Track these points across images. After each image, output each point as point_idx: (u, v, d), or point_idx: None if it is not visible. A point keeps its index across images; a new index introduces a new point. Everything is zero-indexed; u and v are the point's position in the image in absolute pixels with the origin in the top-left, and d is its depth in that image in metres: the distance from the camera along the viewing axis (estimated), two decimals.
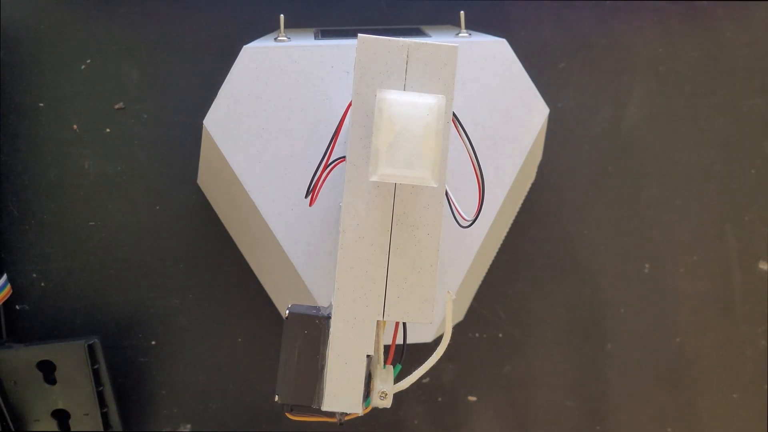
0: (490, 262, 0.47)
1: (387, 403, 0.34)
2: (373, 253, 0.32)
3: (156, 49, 0.49)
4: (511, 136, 0.41)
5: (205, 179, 0.47)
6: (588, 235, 0.53)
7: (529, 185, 0.48)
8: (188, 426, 0.51)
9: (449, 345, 0.34)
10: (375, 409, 0.34)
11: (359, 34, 0.31)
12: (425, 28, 0.47)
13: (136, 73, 0.49)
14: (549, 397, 0.53)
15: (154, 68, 0.49)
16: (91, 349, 0.46)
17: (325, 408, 0.33)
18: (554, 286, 0.53)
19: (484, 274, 0.47)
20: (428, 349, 0.36)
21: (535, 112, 0.42)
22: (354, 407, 0.33)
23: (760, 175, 0.53)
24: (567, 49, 0.52)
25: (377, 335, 0.33)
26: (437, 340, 0.36)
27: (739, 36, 0.53)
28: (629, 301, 0.53)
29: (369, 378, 0.33)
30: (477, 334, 0.52)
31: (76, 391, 0.46)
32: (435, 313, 0.35)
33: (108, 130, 0.49)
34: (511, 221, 0.48)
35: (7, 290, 0.47)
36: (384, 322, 0.33)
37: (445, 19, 0.50)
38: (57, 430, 0.46)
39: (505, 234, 0.47)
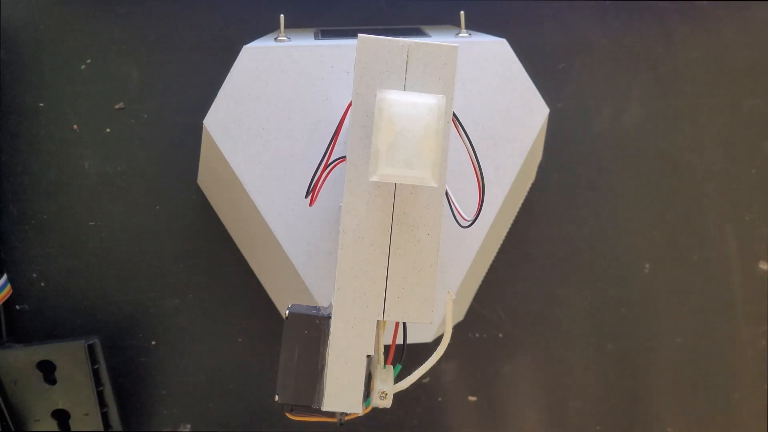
0: (490, 262, 0.47)
1: (387, 403, 0.34)
2: (373, 253, 0.32)
3: (156, 49, 0.49)
4: (511, 136, 0.41)
5: (205, 179, 0.47)
6: (588, 235, 0.53)
7: (529, 185, 0.48)
8: (188, 426, 0.51)
9: (449, 345, 0.34)
10: (375, 409, 0.34)
11: (359, 34, 0.31)
12: (425, 28, 0.47)
13: (136, 73, 0.49)
14: (549, 397, 0.53)
15: (154, 68, 0.49)
16: (91, 349, 0.46)
17: (325, 408, 0.33)
18: (554, 286, 0.53)
19: (484, 274, 0.47)
20: (428, 349, 0.36)
21: (535, 112, 0.42)
22: (354, 407, 0.33)
23: (760, 175, 0.53)
24: (567, 49, 0.52)
25: (377, 335, 0.33)
26: (437, 340, 0.36)
27: (739, 36, 0.53)
28: (629, 301, 0.53)
29: (369, 378, 0.33)
30: (477, 334, 0.52)
31: (76, 391, 0.46)
32: (435, 313, 0.35)
33: (108, 130, 0.49)
34: (511, 221, 0.48)
35: (7, 290, 0.47)
36: (384, 322, 0.33)
37: (445, 19, 0.50)
38: (57, 430, 0.46)
39: (505, 234, 0.47)
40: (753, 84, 0.53)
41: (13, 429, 0.46)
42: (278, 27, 0.41)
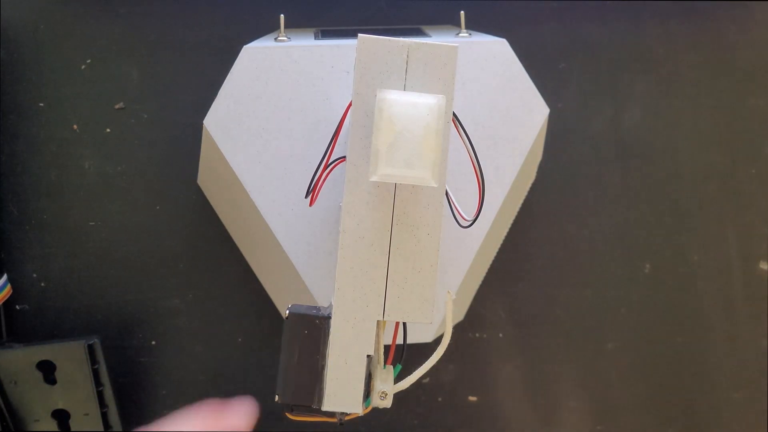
0: (490, 262, 0.47)
1: (387, 403, 0.34)
2: (373, 253, 0.32)
3: (156, 49, 0.49)
4: (511, 136, 0.41)
5: (205, 179, 0.47)
6: (588, 235, 0.53)
7: (529, 185, 0.48)
8: None
9: (449, 345, 0.34)
10: (375, 409, 0.34)
11: (359, 34, 0.31)
12: (425, 28, 0.47)
13: (136, 73, 0.49)
14: (549, 397, 0.53)
15: (154, 68, 0.49)
16: (91, 349, 0.46)
17: (325, 408, 0.33)
18: (554, 286, 0.53)
19: (484, 274, 0.47)
20: (428, 349, 0.36)
21: (535, 112, 0.42)
22: (354, 407, 0.33)
23: (760, 175, 0.53)
24: (567, 49, 0.52)
25: (377, 335, 0.33)
26: (437, 340, 0.36)
27: (740, 36, 0.53)
28: (629, 301, 0.53)
29: (369, 378, 0.33)
30: (477, 334, 0.52)
31: (76, 391, 0.46)
32: (435, 313, 0.35)
33: (108, 130, 0.49)
34: (511, 221, 0.48)
35: (7, 290, 0.47)
36: (384, 322, 0.33)
37: (445, 19, 0.50)
38: (57, 430, 0.46)
39: (505, 234, 0.47)
40: (753, 84, 0.53)
41: (13, 429, 0.46)
42: (278, 27, 0.41)
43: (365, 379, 0.33)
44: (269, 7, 0.49)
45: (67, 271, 0.49)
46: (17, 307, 0.49)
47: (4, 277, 0.47)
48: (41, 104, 0.49)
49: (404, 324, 0.35)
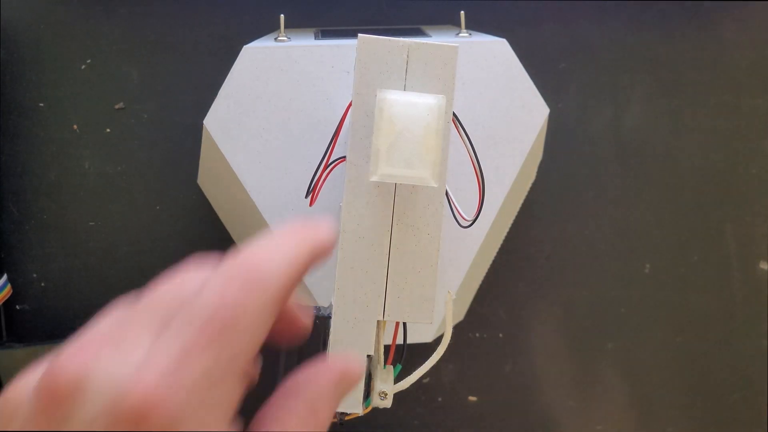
0: (490, 262, 0.47)
1: (387, 403, 0.34)
2: (373, 253, 0.32)
3: (156, 49, 0.49)
4: (511, 136, 0.41)
5: (205, 179, 0.47)
6: (588, 235, 0.53)
7: (529, 185, 0.48)
8: None
9: (449, 345, 0.34)
10: (375, 409, 0.34)
11: (359, 34, 0.31)
12: (425, 28, 0.47)
13: (136, 73, 0.49)
14: (549, 397, 0.53)
15: (154, 68, 0.49)
16: None
17: None
18: (554, 286, 0.53)
19: (484, 274, 0.47)
20: (428, 349, 0.36)
21: (535, 112, 0.42)
22: (354, 407, 0.33)
23: (760, 175, 0.53)
24: (567, 49, 0.52)
25: (377, 335, 0.33)
26: (437, 340, 0.36)
27: (739, 36, 0.53)
28: (629, 301, 0.53)
29: (369, 378, 0.33)
30: (477, 334, 0.52)
31: None
32: (435, 313, 0.35)
33: (108, 130, 0.49)
34: (511, 221, 0.48)
35: (7, 290, 0.47)
36: (384, 322, 0.33)
37: (445, 19, 0.50)
38: None
39: (505, 234, 0.47)
40: (753, 84, 0.53)
41: None
42: (278, 27, 0.41)
43: (365, 379, 0.33)
44: (269, 7, 0.49)
45: (67, 271, 0.49)
46: (17, 307, 0.49)
47: (4, 277, 0.47)
48: (41, 104, 0.49)
49: (404, 324, 0.35)
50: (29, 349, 0.46)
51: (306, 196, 0.36)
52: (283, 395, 0.21)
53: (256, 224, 0.41)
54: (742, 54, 0.53)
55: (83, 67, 0.49)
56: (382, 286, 0.32)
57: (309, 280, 0.40)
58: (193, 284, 0.19)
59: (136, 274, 0.50)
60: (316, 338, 0.33)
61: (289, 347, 0.22)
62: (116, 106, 0.49)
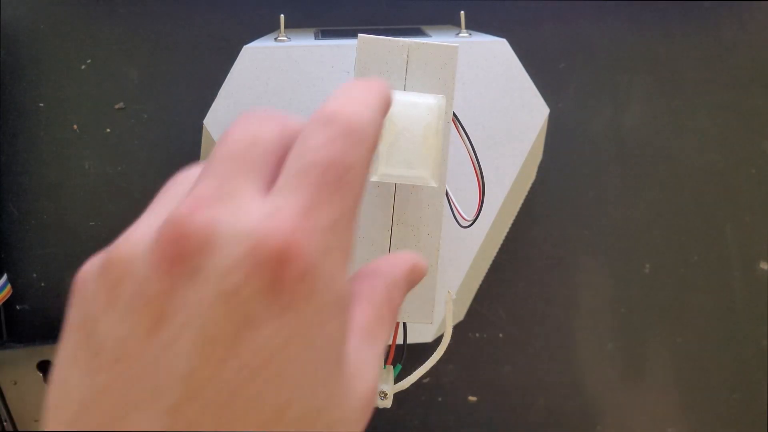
0: (490, 262, 0.47)
1: (387, 403, 0.34)
2: (373, 253, 0.32)
3: (156, 49, 0.49)
4: (511, 136, 0.41)
5: None
6: (588, 235, 0.53)
7: (529, 185, 0.48)
8: None
9: (449, 345, 0.34)
10: (375, 409, 0.34)
11: (359, 34, 0.31)
12: (425, 28, 0.47)
13: (136, 73, 0.49)
14: (549, 397, 0.53)
15: (154, 68, 0.49)
16: None
17: None
18: (554, 286, 0.53)
19: (484, 274, 0.47)
20: (428, 349, 0.36)
21: (535, 112, 0.42)
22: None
23: (760, 175, 0.53)
24: (567, 49, 0.52)
25: None
26: (437, 340, 0.36)
27: (739, 36, 0.53)
28: (629, 301, 0.53)
29: None
30: (477, 334, 0.52)
31: None
32: (435, 313, 0.35)
33: (108, 130, 0.49)
34: (511, 221, 0.48)
35: (7, 290, 0.47)
36: None
37: (445, 19, 0.50)
38: None
39: (505, 234, 0.47)
40: (753, 84, 0.53)
41: (13, 429, 0.46)
42: (278, 27, 0.41)
43: None
44: (269, 7, 0.49)
45: (67, 271, 0.49)
46: (17, 307, 0.49)
47: (4, 277, 0.47)
48: (41, 104, 0.49)
49: (404, 324, 0.35)
50: (29, 349, 0.46)
51: None
52: (363, 276, 0.22)
53: None
54: (742, 54, 0.53)
55: (83, 67, 0.49)
56: None
57: None
58: (270, 136, 0.19)
59: None
60: None
61: None
62: (116, 106, 0.49)
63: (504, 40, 0.41)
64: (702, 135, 0.53)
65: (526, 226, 0.51)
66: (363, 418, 0.18)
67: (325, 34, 0.44)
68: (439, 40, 0.35)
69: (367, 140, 0.18)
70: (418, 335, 0.42)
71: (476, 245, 0.41)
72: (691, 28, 0.52)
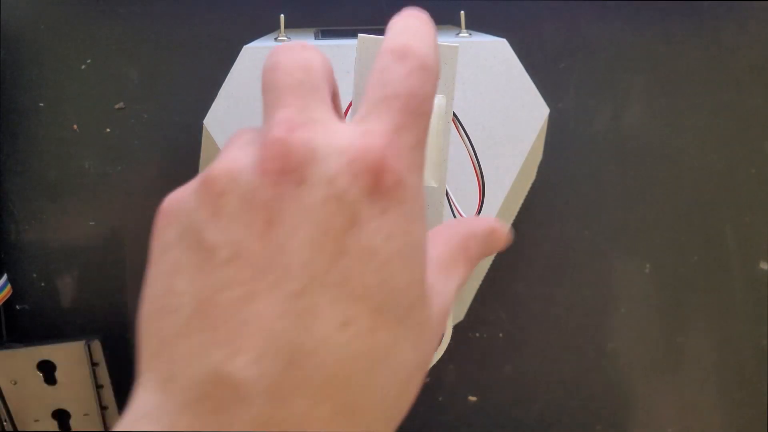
0: (490, 262, 0.47)
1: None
2: None
3: (156, 49, 0.49)
4: (511, 136, 0.41)
5: None
6: (588, 235, 0.53)
7: (529, 185, 0.48)
8: None
9: (449, 345, 0.34)
10: None
11: (359, 34, 0.31)
12: None
13: (136, 73, 0.49)
14: (549, 397, 0.53)
15: (154, 68, 0.49)
16: (91, 349, 0.46)
17: None
18: (554, 286, 0.53)
19: (484, 274, 0.47)
20: None
21: (535, 112, 0.42)
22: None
23: (760, 175, 0.53)
24: (567, 49, 0.52)
25: None
26: None
27: (739, 36, 0.53)
28: (630, 301, 0.53)
29: None
30: (477, 334, 0.52)
31: (76, 391, 0.46)
32: None
33: (108, 130, 0.49)
34: (511, 221, 0.48)
35: (7, 290, 0.47)
36: None
37: (445, 19, 0.50)
38: (57, 430, 0.46)
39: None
40: (753, 84, 0.53)
41: (13, 429, 0.46)
42: (278, 27, 0.41)
43: None
44: (269, 7, 0.49)
45: (67, 271, 0.49)
46: (17, 307, 0.49)
47: (4, 277, 0.47)
48: (41, 104, 0.49)
49: None
50: (29, 349, 0.46)
51: None
52: (443, 225, 0.24)
53: None
54: (742, 54, 0.53)
55: (83, 67, 0.49)
56: None
57: None
58: (318, 63, 0.21)
59: (136, 274, 0.50)
60: None
61: None
62: (116, 106, 0.49)
63: (504, 40, 0.41)
64: (702, 135, 0.53)
65: (526, 226, 0.51)
66: (436, 337, 0.20)
67: (325, 34, 0.44)
68: (439, 40, 0.35)
69: (436, 74, 0.21)
70: None
71: None
72: (691, 28, 0.52)
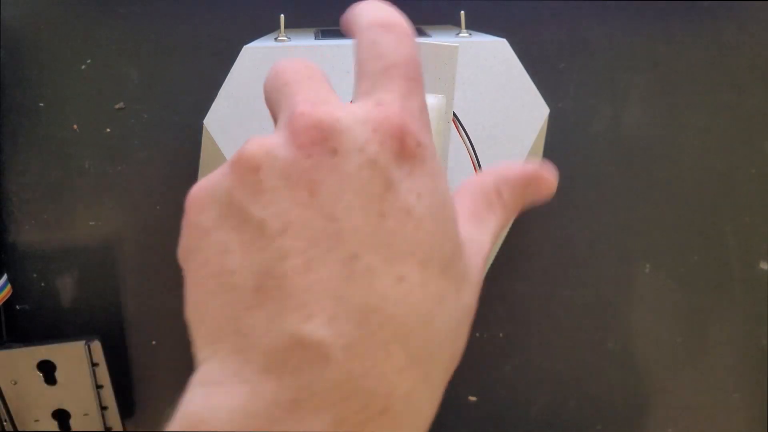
0: (490, 262, 0.47)
1: None
2: None
3: (156, 49, 0.49)
4: (511, 136, 0.41)
5: None
6: (588, 235, 0.53)
7: None
8: None
9: None
10: None
11: None
12: (425, 28, 0.47)
13: (136, 73, 0.49)
14: (549, 397, 0.53)
15: (154, 68, 0.49)
16: (90, 349, 0.46)
17: None
18: (554, 286, 0.53)
19: (484, 275, 0.47)
20: None
21: (535, 112, 0.42)
22: None
23: (760, 175, 0.53)
24: (567, 49, 0.52)
25: None
26: None
27: (739, 36, 0.53)
28: (629, 301, 0.53)
29: None
30: (477, 334, 0.52)
31: (76, 391, 0.46)
32: None
33: (108, 130, 0.49)
34: (511, 221, 0.48)
35: (7, 290, 0.47)
36: None
37: (445, 19, 0.50)
38: (57, 430, 0.46)
39: (505, 234, 0.47)
40: (753, 84, 0.53)
41: (13, 429, 0.46)
42: (278, 27, 0.41)
43: None
44: (269, 7, 0.49)
45: (67, 271, 0.49)
46: (17, 307, 0.49)
47: (4, 277, 0.47)
48: (41, 104, 0.49)
49: None
50: (29, 349, 0.46)
51: None
52: (473, 177, 0.24)
53: None
54: (742, 54, 0.53)
55: (83, 67, 0.49)
56: None
57: None
58: (316, 67, 0.23)
59: (136, 274, 0.50)
60: None
61: None
62: (116, 106, 0.49)
63: (504, 40, 0.41)
64: (702, 135, 0.53)
65: (526, 226, 0.51)
66: (476, 284, 0.22)
67: (325, 34, 0.44)
68: (439, 40, 0.35)
69: (415, 40, 0.22)
70: None
71: None
72: (691, 28, 0.52)
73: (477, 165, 0.34)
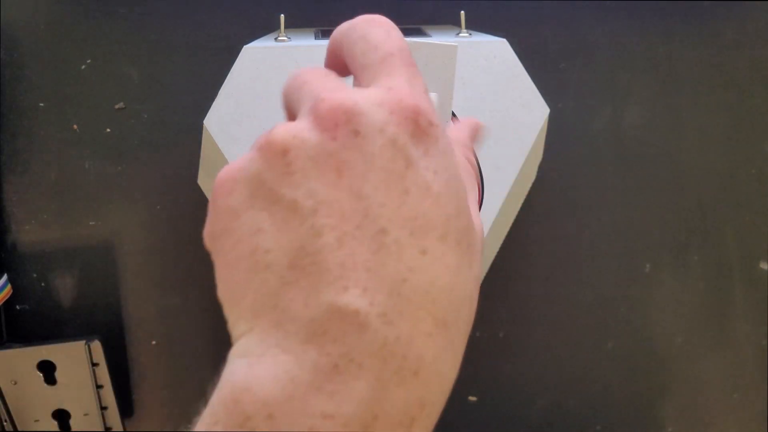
0: (490, 262, 0.47)
1: None
2: None
3: (156, 49, 0.49)
4: (511, 136, 0.41)
5: (205, 179, 0.47)
6: (588, 235, 0.53)
7: (529, 185, 0.48)
8: (189, 426, 0.51)
9: None
10: None
11: None
12: (425, 28, 0.47)
13: (136, 73, 0.49)
14: (549, 397, 0.53)
15: (154, 68, 0.49)
16: (90, 349, 0.46)
17: None
18: (554, 286, 0.53)
19: (484, 274, 0.47)
20: None
21: (536, 112, 0.42)
22: None
23: (760, 175, 0.53)
24: (567, 49, 0.52)
25: None
26: None
27: (739, 36, 0.53)
28: (629, 301, 0.53)
29: None
30: (477, 334, 0.52)
31: (76, 391, 0.46)
32: None
33: (108, 130, 0.49)
34: (511, 221, 0.48)
35: (7, 290, 0.47)
36: None
37: (445, 19, 0.50)
38: (57, 430, 0.46)
39: (505, 234, 0.47)
40: (753, 84, 0.53)
41: (13, 429, 0.46)
42: (278, 27, 0.41)
43: None
44: (269, 7, 0.49)
45: (67, 271, 0.49)
46: (17, 307, 0.49)
47: (4, 277, 0.47)
48: (41, 104, 0.49)
49: None
50: (29, 349, 0.46)
51: None
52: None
53: None
54: (742, 54, 0.53)
55: (83, 67, 0.49)
56: None
57: None
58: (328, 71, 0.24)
59: (136, 274, 0.50)
60: None
61: None
62: (116, 106, 0.49)
63: (504, 40, 0.41)
64: (702, 135, 0.53)
65: (526, 226, 0.51)
66: (481, 255, 0.23)
67: (325, 34, 0.44)
68: (438, 40, 0.35)
69: (400, 32, 0.24)
70: None
71: None
72: (691, 28, 0.52)
73: (477, 165, 0.34)
